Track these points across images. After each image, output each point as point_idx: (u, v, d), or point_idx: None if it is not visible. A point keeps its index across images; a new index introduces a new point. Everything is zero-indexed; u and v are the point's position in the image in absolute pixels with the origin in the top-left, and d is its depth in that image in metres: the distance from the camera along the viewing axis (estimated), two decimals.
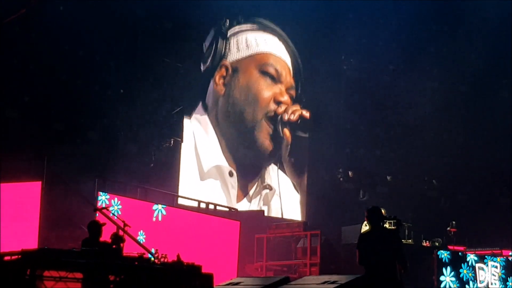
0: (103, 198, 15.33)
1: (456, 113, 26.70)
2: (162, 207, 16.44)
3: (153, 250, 11.13)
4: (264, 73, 23.58)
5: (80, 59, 19.65)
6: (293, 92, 24.27)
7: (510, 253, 20.74)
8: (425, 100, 26.30)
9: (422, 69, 26.91)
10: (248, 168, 23.51)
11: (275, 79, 23.75)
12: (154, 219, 16.10)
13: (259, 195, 23.62)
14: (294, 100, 24.28)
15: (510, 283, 17.27)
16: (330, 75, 25.83)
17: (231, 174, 22.80)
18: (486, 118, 26.41)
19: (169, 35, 21.68)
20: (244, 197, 23.31)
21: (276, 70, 23.76)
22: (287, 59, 24.33)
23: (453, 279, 16.12)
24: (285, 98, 23.83)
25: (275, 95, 23.68)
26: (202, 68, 22.72)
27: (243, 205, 23.01)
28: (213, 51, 22.67)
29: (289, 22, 24.52)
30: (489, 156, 27.12)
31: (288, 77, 24.18)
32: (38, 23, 18.61)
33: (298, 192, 24.62)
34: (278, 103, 23.63)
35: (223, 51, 22.93)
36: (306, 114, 23.94)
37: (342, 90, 26.48)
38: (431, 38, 26.85)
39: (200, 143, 22.37)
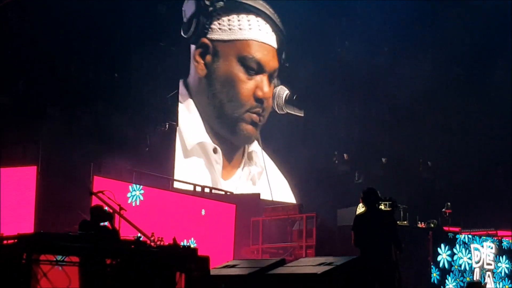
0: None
1: (451, 94, 26.73)
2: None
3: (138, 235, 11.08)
4: (245, 65, 23.35)
5: (74, 44, 19.61)
6: (275, 75, 24.15)
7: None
8: (420, 82, 26.28)
9: (417, 50, 26.93)
10: (230, 148, 23.50)
11: (255, 70, 23.55)
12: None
13: (248, 173, 23.63)
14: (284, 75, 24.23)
15: (502, 264, 17.35)
16: (324, 58, 25.81)
17: (215, 151, 22.76)
18: (481, 99, 26.47)
19: (164, 17, 21.66)
20: (231, 174, 23.30)
21: (257, 62, 23.51)
22: (272, 42, 24.02)
23: (449, 257, 16.17)
24: (266, 90, 23.63)
25: (256, 90, 23.45)
26: (183, 34, 22.56)
27: (230, 183, 23.04)
28: (195, 24, 22.46)
29: (283, 4, 24.40)
30: (484, 138, 27.20)
31: (271, 63, 23.89)
32: (31, 8, 18.57)
33: (282, 174, 24.60)
34: (258, 100, 23.45)
35: (204, 25, 22.72)
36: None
37: (337, 73, 26.46)
38: (426, 20, 26.84)
39: (182, 122, 22.31)
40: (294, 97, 23.88)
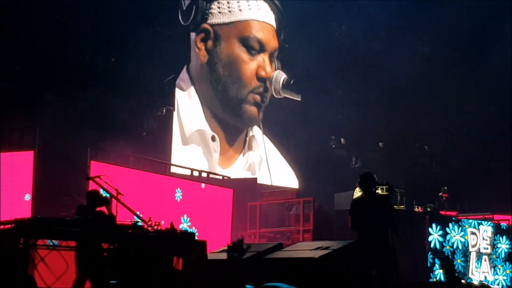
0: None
1: (447, 78, 26.71)
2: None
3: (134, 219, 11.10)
4: (246, 45, 23.41)
5: (70, 28, 19.60)
6: (275, 54, 24.20)
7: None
8: (417, 66, 26.28)
9: (413, 34, 26.95)
10: (232, 133, 23.54)
11: (257, 50, 23.59)
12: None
13: (246, 163, 23.65)
14: (280, 60, 24.26)
15: (501, 247, 17.37)
16: (322, 42, 25.78)
17: (213, 138, 22.78)
18: (477, 83, 26.45)
19: (160, 2, 21.63)
20: (230, 163, 23.33)
21: (259, 41, 23.55)
22: (271, 21, 24.05)
23: (441, 238, 16.14)
24: (268, 69, 23.69)
25: (258, 70, 23.52)
26: (182, 21, 22.58)
27: (229, 172, 23.00)
28: (194, 10, 22.49)
29: None
30: (480, 122, 27.23)
31: (272, 42, 23.96)
32: None
33: (285, 159, 24.65)
34: (261, 79, 23.50)
35: (204, 7, 22.76)
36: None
37: (334, 57, 26.44)
38: (422, 4, 26.78)
39: (182, 109, 22.34)
40: (292, 82, 23.86)
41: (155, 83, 21.62)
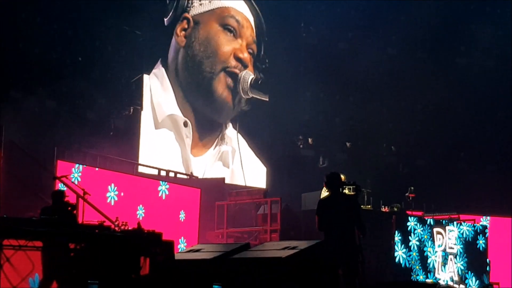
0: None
1: (414, 79, 26.84)
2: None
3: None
4: (225, 26, 23.54)
5: (37, 26, 19.46)
6: (254, 48, 24.23)
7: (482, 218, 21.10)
8: (384, 66, 26.46)
9: (380, 35, 27.06)
10: (205, 121, 23.51)
11: (235, 32, 23.67)
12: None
13: (219, 152, 23.66)
14: (256, 60, 24.27)
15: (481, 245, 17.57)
16: (290, 42, 25.84)
17: (185, 124, 22.75)
18: (443, 84, 26.60)
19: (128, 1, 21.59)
20: (202, 152, 23.33)
21: (237, 22, 23.67)
22: (250, 17, 24.25)
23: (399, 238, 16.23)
24: (245, 55, 23.76)
25: (235, 50, 23.62)
26: (166, 22, 22.63)
27: (201, 160, 23.06)
28: (174, 4, 22.60)
29: None
30: (446, 122, 27.40)
31: (249, 31, 24.09)
32: None
33: (261, 161, 24.71)
34: (238, 59, 23.58)
35: (185, 4, 22.87)
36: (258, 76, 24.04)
37: (302, 57, 26.52)
38: (389, 5, 26.91)
39: (155, 96, 22.33)
40: (260, 82, 23.88)
41: (122, 82, 21.56)
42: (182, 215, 17.58)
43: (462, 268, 17.25)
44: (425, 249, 16.59)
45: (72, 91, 19.94)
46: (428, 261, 16.65)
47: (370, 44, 26.48)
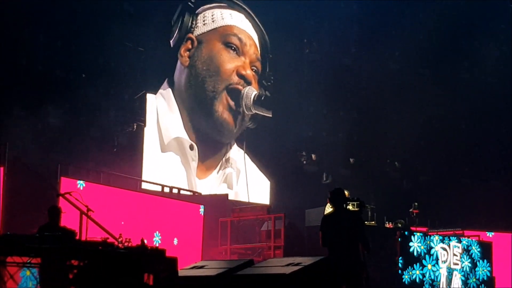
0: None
1: (417, 95, 26.86)
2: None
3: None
4: (227, 44, 23.43)
5: (40, 43, 19.50)
6: (258, 65, 24.19)
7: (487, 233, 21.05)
8: (387, 82, 26.46)
9: (383, 51, 27.07)
10: (210, 143, 23.42)
11: (238, 51, 23.61)
12: None
13: (223, 175, 23.61)
14: (261, 78, 24.27)
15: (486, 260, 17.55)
16: (293, 58, 25.86)
17: (191, 147, 22.71)
18: (446, 100, 26.63)
19: (132, 17, 21.59)
20: (207, 174, 23.28)
21: (240, 40, 23.57)
22: (253, 35, 24.22)
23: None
24: (248, 72, 23.67)
25: (238, 67, 23.50)
26: (171, 44, 22.68)
27: (206, 183, 23.02)
28: (179, 25, 22.63)
29: (258, 3, 24.41)
30: (449, 138, 27.39)
31: (253, 49, 23.99)
32: None
33: (266, 177, 24.66)
34: (241, 76, 23.52)
35: (189, 25, 22.87)
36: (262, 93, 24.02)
37: (305, 73, 26.53)
38: (393, 20, 26.96)
39: (162, 117, 22.28)
40: (263, 98, 23.87)
41: (126, 98, 21.57)
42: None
43: (468, 284, 17.20)
44: (429, 264, 16.55)
45: (76, 108, 19.95)
46: (433, 277, 16.60)
47: (373, 59, 26.51)
